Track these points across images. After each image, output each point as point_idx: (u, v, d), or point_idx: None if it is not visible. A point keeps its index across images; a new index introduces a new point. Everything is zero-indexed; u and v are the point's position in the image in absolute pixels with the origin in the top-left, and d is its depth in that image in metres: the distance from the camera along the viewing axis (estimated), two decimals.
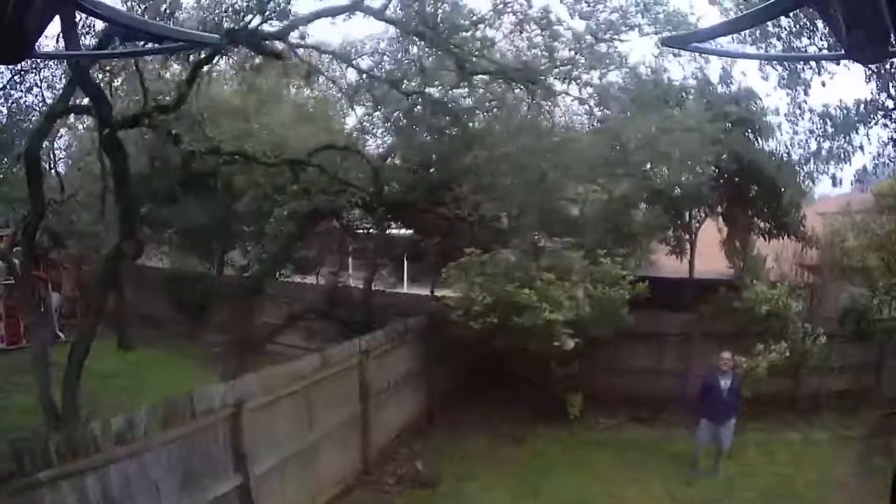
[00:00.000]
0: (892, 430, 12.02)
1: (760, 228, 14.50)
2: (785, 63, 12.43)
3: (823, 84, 12.67)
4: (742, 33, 8.10)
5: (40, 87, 12.72)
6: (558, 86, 12.15)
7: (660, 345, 13.28)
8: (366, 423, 9.95)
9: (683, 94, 12.98)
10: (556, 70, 11.72)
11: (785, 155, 14.08)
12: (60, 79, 12.06)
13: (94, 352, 9.95)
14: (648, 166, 12.59)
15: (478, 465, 10.32)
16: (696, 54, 11.42)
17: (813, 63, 12.41)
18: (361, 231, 16.10)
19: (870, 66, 11.09)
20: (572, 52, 11.64)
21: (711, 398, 9.90)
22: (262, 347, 13.91)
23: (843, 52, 1.01)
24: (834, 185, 14.20)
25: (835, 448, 11.48)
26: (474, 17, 11.05)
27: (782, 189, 13.75)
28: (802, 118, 13.11)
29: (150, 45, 5.19)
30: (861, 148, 13.38)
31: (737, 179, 13.64)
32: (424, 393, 12.25)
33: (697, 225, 14.85)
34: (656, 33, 11.06)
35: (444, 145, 13.13)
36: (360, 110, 14.37)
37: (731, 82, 13.07)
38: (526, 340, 10.44)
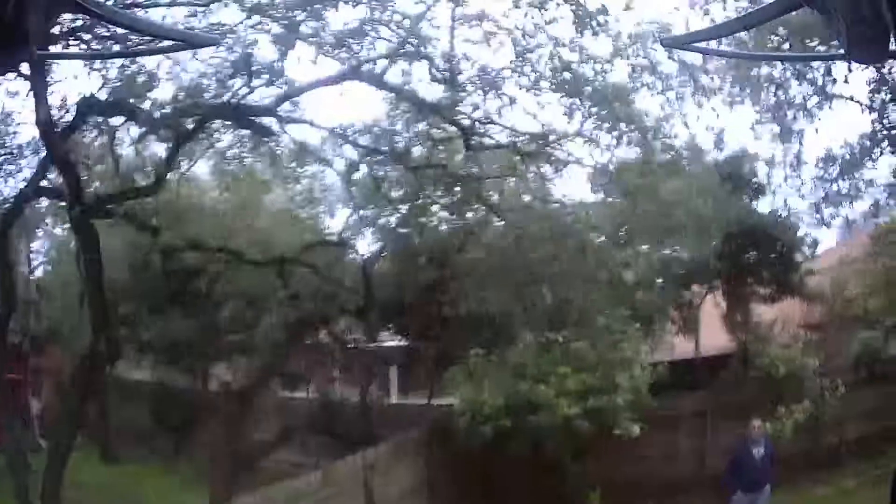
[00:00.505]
0: None
1: (761, 295, 14.20)
2: (776, 119, 12.33)
3: (817, 131, 12.56)
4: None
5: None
6: (577, 152, 11.33)
7: (674, 426, 12.67)
8: None
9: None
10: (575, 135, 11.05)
11: (785, 212, 13.84)
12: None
13: (76, 462, 9.51)
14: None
15: None
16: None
17: (804, 111, 12.37)
18: (352, 341, 15.30)
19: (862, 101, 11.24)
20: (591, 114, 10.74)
21: (745, 468, 9.46)
22: (254, 464, 13.01)
23: (843, 52, 1.00)
24: (848, 225, 13.91)
25: (869, 491, 10.90)
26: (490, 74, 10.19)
27: (786, 248, 13.65)
28: (800, 168, 12.92)
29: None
30: (871, 182, 13.16)
31: (736, 247, 13.33)
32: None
33: (699, 300, 14.44)
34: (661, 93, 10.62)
35: (439, 240, 12.69)
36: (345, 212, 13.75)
37: (723, 147, 12.67)
38: (543, 440, 9.84)
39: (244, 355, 14.42)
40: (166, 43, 1.47)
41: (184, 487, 13.13)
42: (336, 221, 14.08)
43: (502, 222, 11.92)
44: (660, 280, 12.32)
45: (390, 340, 15.15)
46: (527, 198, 12.24)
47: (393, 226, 12.61)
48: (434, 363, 12.64)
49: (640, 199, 10.98)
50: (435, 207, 12.43)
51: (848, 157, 12.58)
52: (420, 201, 11.90)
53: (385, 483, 9.55)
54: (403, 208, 12.30)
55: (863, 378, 13.20)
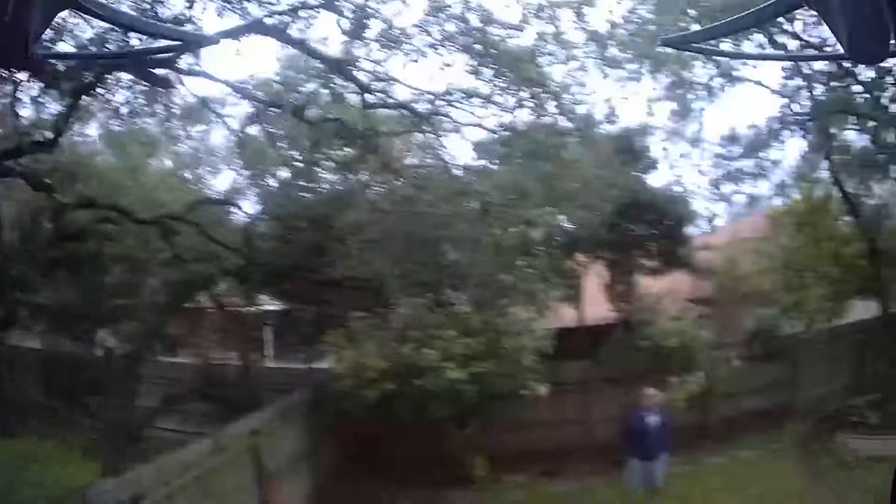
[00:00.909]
0: (827, 435, 12.21)
1: (648, 267, 14.19)
2: (675, 96, 12.32)
3: (718, 114, 12.78)
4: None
5: None
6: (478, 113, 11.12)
7: (559, 395, 12.18)
8: None
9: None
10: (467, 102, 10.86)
11: (680, 187, 14.09)
12: None
13: None
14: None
15: None
16: None
17: (705, 92, 12.40)
18: (232, 304, 14.68)
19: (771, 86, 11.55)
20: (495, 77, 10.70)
21: (640, 437, 9.45)
22: (140, 434, 12.34)
23: (843, 52, 0.98)
24: (750, 205, 14.23)
25: (770, 462, 11.38)
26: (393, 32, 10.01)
27: (676, 222, 13.66)
28: (699, 145, 13.00)
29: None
30: (777, 163, 13.57)
31: (626, 218, 13.18)
32: (318, 473, 10.97)
33: (584, 269, 14.13)
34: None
35: (324, 200, 12.20)
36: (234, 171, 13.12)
37: (616, 119, 12.63)
38: (427, 404, 9.53)
39: (129, 320, 13.65)
40: (165, 42, 1.45)
41: (85, 458, 11.87)
42: (224, 180, 13.43)
43: (396, 183, 11.54)
44: (544, 248, 12.00)
45: (270, 303, 14.58)
46: (418, 159, 12.05)
47: (278, 186, 12.03)
48: (314, 326, 12.08)
49: (536, 163, 10.76)
50: (325, 164, 11.89)
51: (754, 137, 12.70)
52: (315, 156, 11.33)
53: (272, 449, 9.04)
54: (294, 166, 11.77)
55: (759, 354, 13.42)
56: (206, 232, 11.85)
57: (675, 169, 15.55)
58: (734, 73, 11.99)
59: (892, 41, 0.93)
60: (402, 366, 9.48)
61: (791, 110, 12.18)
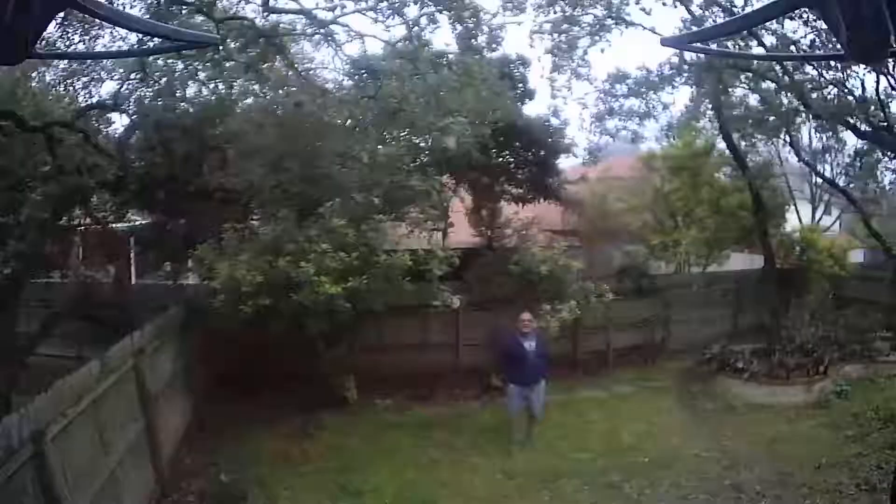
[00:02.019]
0: (709, 377, 12.67)
1: (513, 195, 14.44)
2: (557, 32, 12.38)
3: (602, 51, 12.88)
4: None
5: None
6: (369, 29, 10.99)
7: (425, 317, 12.47)
8: (153, 435, 8.27)
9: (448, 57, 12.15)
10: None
11: (553, 119, 14.17)
12: None
13: None
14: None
15: (275, 468, 8.95)
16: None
17: (589, 31, 12.50)
18: (103, 218, 13.96)
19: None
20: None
21: (518, 362, 9.50)
22: (24, 361, 11.65)
23: (843, 51, 1.00)
24: (634, 142, 14.41)
25: (648, 400, 11.75)
26: None
27: (546, 152, 13.90)
28: (580, 80, 13.14)
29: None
30: (666, 107, 13.71)
31: (496, 144, 13.28)
32: (193, 394, 10.73)
33: (450, 191, 14.25)
34: None
35: (197, 112, 11.72)
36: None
37: (497, 47, 12.61)
38: (303, 319, 9.39)
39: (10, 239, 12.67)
40: (165, 42, 1.43)
41: None
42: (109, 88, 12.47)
43: (281, 92, 11.14)
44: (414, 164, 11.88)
45: (139, 217, 14.09)
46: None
47: (152, 94, 11.33)
48: (184, 240, 11.63)
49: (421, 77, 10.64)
50: (201, 76, 11.28)
51: (643, 78, 12.95)
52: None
53: (152, 370, 8.65)
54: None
55: (629, 291, 13.86)
56: (90, 140, 11.11)
57: (556, 100, 15.65)
58: (626, 18, 12.10)
59: (893, 41, 0.95)
60: (278, 280, 9.21)
61: (685, 58, 12.28)
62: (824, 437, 9.59)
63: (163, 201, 12.50)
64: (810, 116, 12.96)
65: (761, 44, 10.58)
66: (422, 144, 12.33)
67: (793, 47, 10.11)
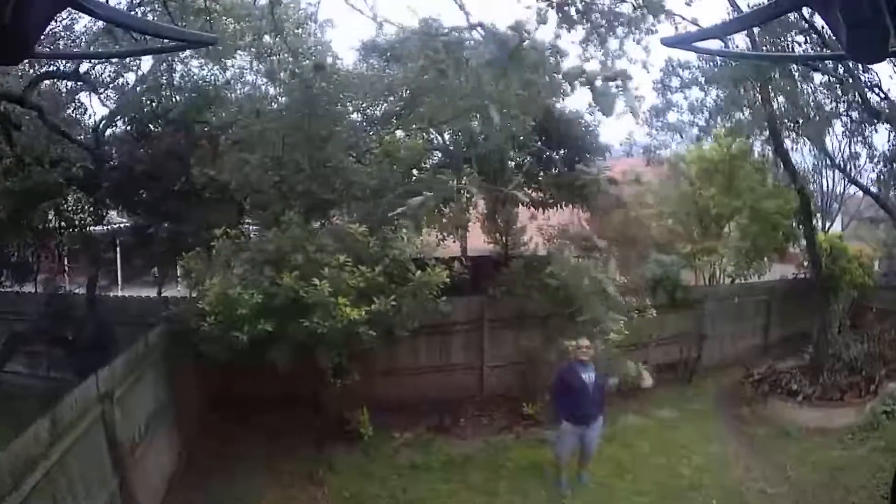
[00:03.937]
0: (751, 398, 11.83)
1: (532, 199, 12.93)
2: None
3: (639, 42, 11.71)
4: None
5: None
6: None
7: (445, 335, 11.16)
8: (129, 499, 6.61)
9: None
10: None
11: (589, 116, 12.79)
12: None
13: None
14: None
15: None
16: None
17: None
18: (79, 220, 12.31)
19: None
20: None
21: (574, 397, 7.97)
22: None
23: (843, 51, 0.99)
24: (699, 139, 13.52)
25: (696, 426, 10.75)
26: None
27: (580, 155, 12.54)
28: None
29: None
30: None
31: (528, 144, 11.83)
32: (179, 433, 8.99)
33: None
34: None
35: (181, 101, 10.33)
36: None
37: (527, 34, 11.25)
38: (314, 349, 7.78)
39: None
40: (165, 42, 1.41)
41: None
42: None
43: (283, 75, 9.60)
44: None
45: (120, 220, 12.37)
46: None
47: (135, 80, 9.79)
48: (170, 246, 10.01)
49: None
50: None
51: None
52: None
53: (126, 412, 6.94)
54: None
55: (664, 303, 12.61)
56: (47, 120, 9.76)
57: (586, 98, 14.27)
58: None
59: (893, 41, 0.93)
60: (283, 301, 7.57)
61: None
62: (883, 462, 8.84)
63: (145, 201, 11.00)
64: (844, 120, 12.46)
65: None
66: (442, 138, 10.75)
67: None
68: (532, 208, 13.01)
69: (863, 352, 12.21)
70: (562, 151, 12.54)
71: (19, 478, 4.45)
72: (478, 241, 13.66)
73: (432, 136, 11.10)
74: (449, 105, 9.27)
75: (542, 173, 12.84)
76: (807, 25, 9.77)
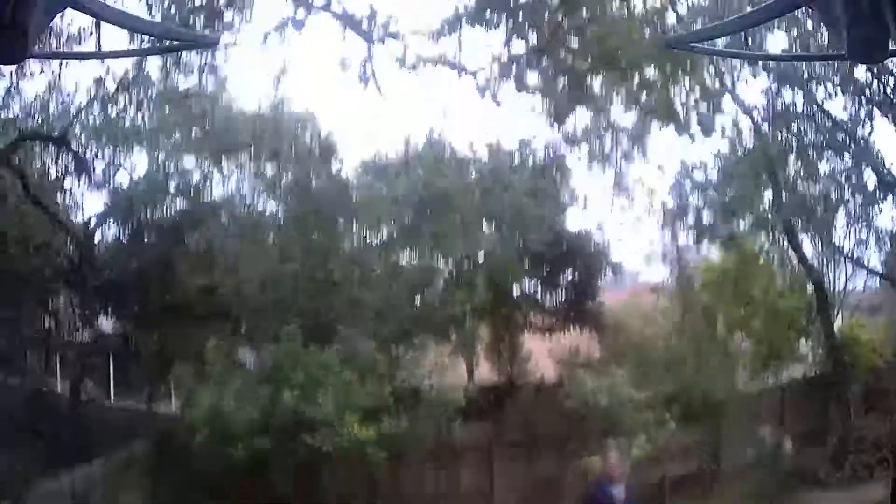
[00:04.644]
0: (776, 495, 11.40)
1: (540, 326, 12.71)
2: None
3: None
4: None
5: None
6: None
7: (455, 461, 10.37)
8: None
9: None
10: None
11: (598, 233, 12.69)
12: None
13: None
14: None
15: None
16: None
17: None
18: (68, 322, 11.70)
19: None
20: None
21: None
22: None
23: (843, 52, 0.99)
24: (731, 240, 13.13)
25: None
26: None
27: (589, 274, 12.43)
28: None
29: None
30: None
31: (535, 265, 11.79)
32: None
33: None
34: None
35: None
36: None
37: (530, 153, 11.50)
38: (318, 470, 7.11)
39: None
40: (168, 43, 1.69)
41: None
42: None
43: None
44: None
45: (111, 327, 11.78)
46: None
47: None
48: (159, 358, 9.42)
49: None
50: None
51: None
52: None
53: None
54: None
55: (678, 414, 11.89)
56: (28, 187, 9.37)
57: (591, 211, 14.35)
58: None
59: (893, 41, 0.93)
60: (282, 417, 6.94)
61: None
62: None
63: (133, 310, 10.58)
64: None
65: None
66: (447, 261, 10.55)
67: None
68: (541, 334, 12.79)
69: (887, 430, 11.96)
70: (569, 273, 12.33)
71: None
72: (481, 370, 13.31)
73: (437, 259, 10.87)
74: (455, 220, 9.03)
75: (549, 298, 12.67)
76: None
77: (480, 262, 9.82)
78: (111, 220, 10.50)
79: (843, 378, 12.80)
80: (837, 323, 17.51)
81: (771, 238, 13.83)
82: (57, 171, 10.63)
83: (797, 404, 13.80)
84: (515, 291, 11.68)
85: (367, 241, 9.75)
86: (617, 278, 12.97)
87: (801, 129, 11.30)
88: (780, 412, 13.97)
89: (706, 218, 12.80)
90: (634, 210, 12.37)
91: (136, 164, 10.05)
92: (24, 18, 0.92)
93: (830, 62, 8.97)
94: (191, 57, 9.04)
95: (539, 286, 12.19)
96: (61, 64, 9.43)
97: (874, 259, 15.51)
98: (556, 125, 10.57)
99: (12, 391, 11.94)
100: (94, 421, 10.60)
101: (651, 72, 10.93)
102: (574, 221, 12.35)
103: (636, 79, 10.76)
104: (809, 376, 14.14)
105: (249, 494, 7.62)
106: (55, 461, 7.85)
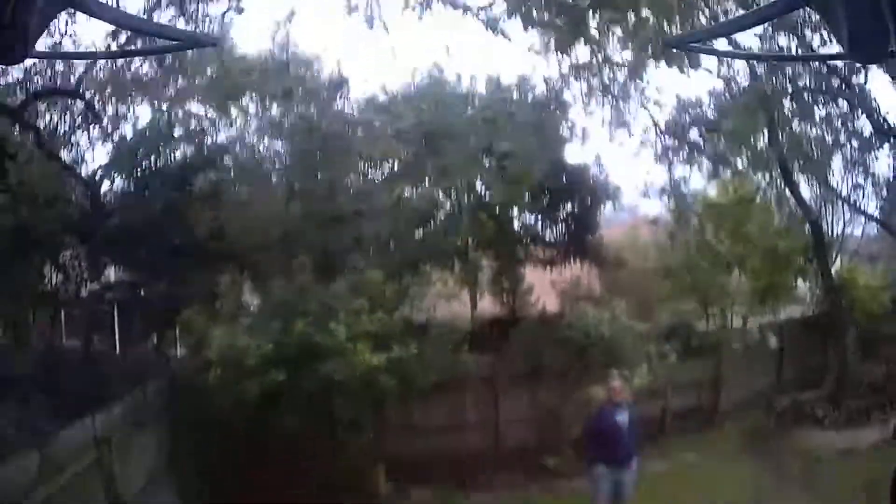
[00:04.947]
0: (775, 432, 11.65)
1: (540, 258, 12.90)
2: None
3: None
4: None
5: None
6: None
7: (459, 393, 10.65)
8: None
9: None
10: None
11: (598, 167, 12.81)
12: None
13: None
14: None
15: None
16: None
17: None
18: (75, 275, 11.69)
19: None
20: None
21: (610, 438, 7.57)
22: None
23: (843, 51, 1.00)
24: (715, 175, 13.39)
25: (721, 464, 10.19)
26: None
27: (591, 208, 12.52)
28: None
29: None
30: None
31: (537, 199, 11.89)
32: (181, 490, 8.29)
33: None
34: None
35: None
36: None
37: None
38: (331, 399, 7.32)
39: None
40: (166, 43, 1.47)
41: None
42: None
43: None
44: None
45: (119, 276, 11.90)
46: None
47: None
48: (165, 303, 9.68)
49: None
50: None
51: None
52: None
53: (124, 462, 6.38)
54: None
55: (678, 349, 12.28)
56: (43, 143, 9.30)
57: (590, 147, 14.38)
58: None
59: (893, 41, 0.92)
60: (295, 348, 7.12)
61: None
62: None
63: (143, 257, 10.48)
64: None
65: None
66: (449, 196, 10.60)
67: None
68: (542, 267, 12.93)
69: (883, 373, 12.41)
70: (569, 206, 12.40)
71: None
72: (483, 303, 13.44)
73: (439, 193, 10.92)
74: (458, 154, 9.11)
75: (549, 231, 12.79)
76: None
77: (482, 194, 9.76)
78: (116, 170, 10.50)
79: (841, 321, 12.78)
80: (836, 266, 17.81)
81: (768, 178, 13.95)
82: (65, 126, 10.70)
83: (795, 344, 13.91)
84: (516, 224, 11.68)
85: (372, 176, 9.88)
86: (616, 212, 12.98)
87: (796, 71, 11.17)
88: (779, 351, 14.20)
89: (704, 154, 12.67)
90: (632, 145, 12.61)
91: (141, 114, 10.04)
92: (24, 18, 0.90)
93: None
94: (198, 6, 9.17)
95: (539, 219, 12.20)
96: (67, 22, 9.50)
97: (872, 207, 15.73)
98: (556, 60, 10.56)
99: (23, 348, 12.18)
100: (106, 369, 10.40)
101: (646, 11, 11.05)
102: (573, 157, 12.40)
103: (632, 18, 10.79)
104: (807, 316, 14.17)
105: (262, 428, 7.89)
106: (73, 412, 7.97)
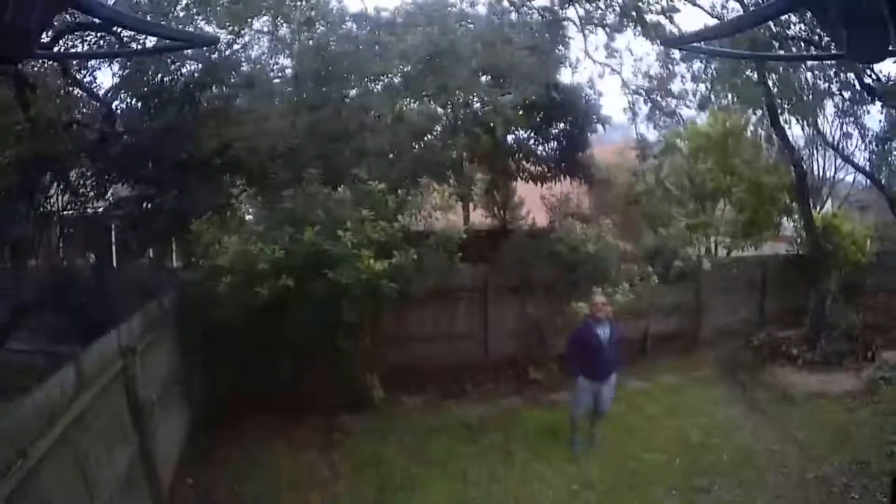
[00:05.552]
0: (751, 365, 12.04)
1: (531, 173, 13.24)
2: None
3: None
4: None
5: None
6: None
7: (447, 303, 11.14)
8: (149, 461, 6.46)
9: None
10: None
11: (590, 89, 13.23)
12: None
13: None
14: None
15: (301, 489, 7.36)
16: None
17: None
18: (82, 192, 11.86)
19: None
20: None
21: (591, 353, 8.05)
22: None
23: (842, 51, 1.03)
24: (701, 107, 13.82)
25: (700, 391, 10.87)
26: None
27: (581, 128, 12.74)
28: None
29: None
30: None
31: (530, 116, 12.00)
32: (192, 401, 8.94)
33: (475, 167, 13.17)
34: None
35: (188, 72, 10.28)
36: None
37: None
38: (339, 304, 7.80)
39: None
40: (167, 42, 1.58)
41: None
42: None
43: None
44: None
45: (126, 192, 12.11)
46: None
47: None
48: (172, 217, 9.98)
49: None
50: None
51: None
52: None
53: (144, 371, 6.80)
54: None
55: (661, 274, 12.66)
56: (70, 76, 9.61)
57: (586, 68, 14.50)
58: None
59: (892, 41, 0.96)
60: (304, 254, 7.60)
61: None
62: (885, 424, 9.08)
63: (150, 173, 10.75)
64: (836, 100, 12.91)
65: None
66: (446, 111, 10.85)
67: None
68: (533, 182, 13.22)
69: (859, 322, 12.71)
70: (561, 125, 12.64)
71: (40, 431, 4.15)
72: (475, 216, 13.86)
73: (437, 109, 11.15)
74: (461, 69, 9.37)
75: (541, 147, 12.99)
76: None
77: (477, 110, 10.05)
78: (126, 90, 10.66)
79: (821, 263, 13.06)
80: (826, 210, 18.27)
81: (757, 115, 14.24)
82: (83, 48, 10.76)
83: (777, 280, 14.29)
84: (510, 139, 11.98)
85: (375, 92, 10.16)
86: (605, 133, 13.23)
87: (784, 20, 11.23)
88: (762, 285, 14.48)
89: (693, 87, 13.09)
90: (623, 74, 12.89)
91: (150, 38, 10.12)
92: (25, 18, 0.92)
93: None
94: None
95: (532, 135, 12.49)
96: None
97: (863, 160, 16.05)
98: None
99: (34, 271, 12.32)
100: (121, 284, 10.72)
101: None
102: (566, 79, 12.71)
103: None
104: (791, 254, 14.57)
105: (271, 332, 8.38)
106: (83, 331, 8.28)
